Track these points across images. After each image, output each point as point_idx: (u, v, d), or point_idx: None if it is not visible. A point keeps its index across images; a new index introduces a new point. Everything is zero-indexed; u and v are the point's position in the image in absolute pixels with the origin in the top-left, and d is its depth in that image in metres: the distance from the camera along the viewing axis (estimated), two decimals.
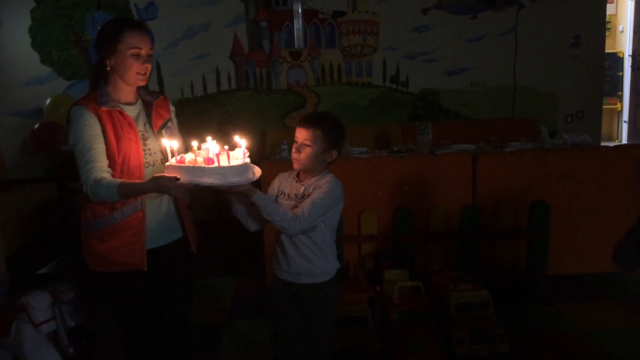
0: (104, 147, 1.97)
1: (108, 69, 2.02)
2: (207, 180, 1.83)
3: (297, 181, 2.19)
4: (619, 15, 8.14)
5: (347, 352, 2.80)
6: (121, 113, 2.02)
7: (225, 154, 1.90)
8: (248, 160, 1.94)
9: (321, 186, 2.10)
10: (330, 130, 2.13)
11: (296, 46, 5.80)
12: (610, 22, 7.73)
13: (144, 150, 2.05)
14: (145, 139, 2.06)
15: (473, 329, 2.90)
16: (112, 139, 1.98)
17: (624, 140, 8.10)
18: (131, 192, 1.94)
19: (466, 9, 5.88)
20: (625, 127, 8.15)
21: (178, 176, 1.83)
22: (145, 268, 2.05)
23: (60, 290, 2.86)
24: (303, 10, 5.72)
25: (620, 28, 8.15)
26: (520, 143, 4.26)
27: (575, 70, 6.08)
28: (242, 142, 1.98)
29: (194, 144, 1.95)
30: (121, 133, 2.00)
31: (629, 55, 7.91)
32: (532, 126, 5.42)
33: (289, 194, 2.17)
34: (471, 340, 2.89)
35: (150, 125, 2.11)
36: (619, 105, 8.22)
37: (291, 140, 4.36)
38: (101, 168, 1.95)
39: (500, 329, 2.92)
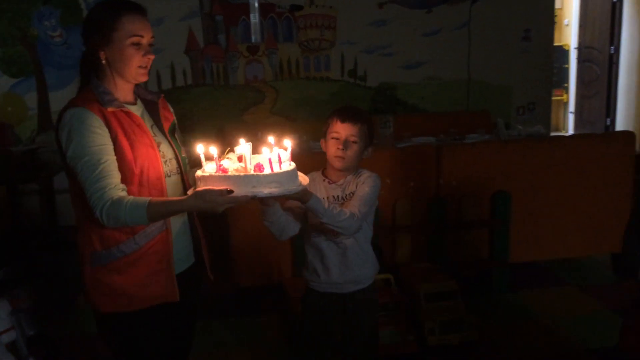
0: (115, 158, 1.60)
1: (103, 62, 1.65)
2: (265, 190, 1.55)
3: (329, 182, 2.05)
4: (565, 8, 8.40)
5: None
6: (128, 114, 1.66)
7: (277, 158, 1.62)
8: (293, 163, 1.68)
9: (364, 182, 2.00)
10: (371, 124, 2.05)
11: (253, 40, 5.73)
12: (556, 15, 7.98)
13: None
14: (158, 144, 1.72)
15: (443, 319, 2.94)
16: (125, 146, 1.62)
17: (570, 131, 8.40)
18: (165, 212, 1.61)
19: (421, 3, 5.93)
20: (571, 118, 8.46)
21: (229, 188, 1.52)
22: (178, 298, 1.74)
23: (19, 298, 2.74)
24: (259, 4, 5.67)
25: (565, 21, 8.42)
26: (478, 135, 4.36)
27: (526, 63, 6.23)
28: (287, 142, 1.69)
29: (240, 149, 1.64)
30: (134, 138, 1.64)
31: (575, 48, 8.20)
32: (486, 118, 5.52)
33: (325, 198, 1.99)
34: (441, 329, 2.93)
35: (160, 128, 1.78)
36: (565, 96, 8.51)
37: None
38: (117, 185, 1.57)
39: (470, 318, 2.97)
